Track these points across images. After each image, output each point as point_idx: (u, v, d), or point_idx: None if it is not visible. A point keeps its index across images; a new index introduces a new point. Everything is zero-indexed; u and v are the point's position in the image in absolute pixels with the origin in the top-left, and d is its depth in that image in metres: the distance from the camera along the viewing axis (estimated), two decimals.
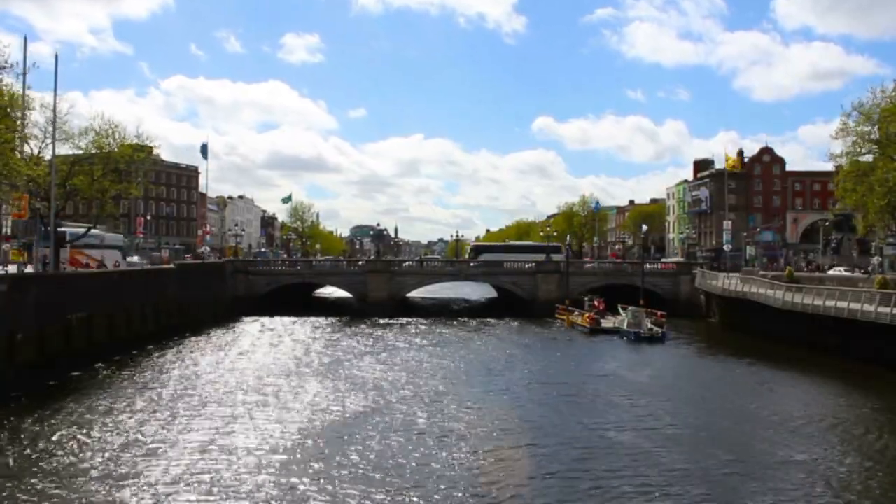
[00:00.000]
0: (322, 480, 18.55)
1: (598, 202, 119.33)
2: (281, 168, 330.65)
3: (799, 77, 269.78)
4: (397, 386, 31.24)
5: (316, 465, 19.77)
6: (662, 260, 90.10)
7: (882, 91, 44.75)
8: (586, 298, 58.34)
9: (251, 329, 52.53)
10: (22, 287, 33.06)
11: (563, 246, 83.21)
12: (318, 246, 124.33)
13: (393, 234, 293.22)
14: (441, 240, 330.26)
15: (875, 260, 61.21)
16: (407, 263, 76.44)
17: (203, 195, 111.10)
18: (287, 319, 57.26)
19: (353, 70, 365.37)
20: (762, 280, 48.90)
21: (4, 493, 17.49)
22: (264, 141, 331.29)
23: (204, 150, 72.55)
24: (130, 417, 25.00)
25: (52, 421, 24.11)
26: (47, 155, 40.29)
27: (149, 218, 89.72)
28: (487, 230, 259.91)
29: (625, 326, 49.00)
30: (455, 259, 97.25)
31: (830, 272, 58.32)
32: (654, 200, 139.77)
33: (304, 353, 41.11)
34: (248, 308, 60.63)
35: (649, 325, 48.12)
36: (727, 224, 75.20)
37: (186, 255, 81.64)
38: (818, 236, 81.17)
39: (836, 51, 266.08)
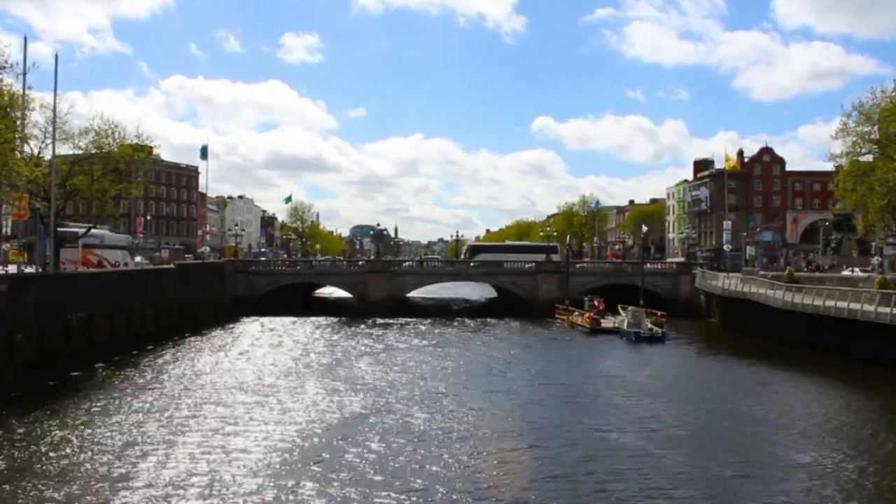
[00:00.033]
0: (322, 482, 18.52)
1: (598, 202, 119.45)
2: (280, 168, 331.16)
3: (799, 77, 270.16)
4: (397, 387, 31.23)
5: (316, 467, 19.74)
6: (661, 260, 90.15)
7: (882, 91, 44.82)
8: (586, 298, 58.34)
9: (251, 329, 52.53)
10: (22, 287, 33.05)
11: (563, 246, 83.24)
12: (318, 246, 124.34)
13: (393, 234, 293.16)
14: (441, 240, 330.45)
15: (875, 260, 61.20)
16: (407, 263, 76.45)
17: (203, 195, 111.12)
18: (287, 319, 57.25)
19: (352, 70, 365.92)
20: (762, 280, 48.90)
21: (4, 494, 17.48)
22: (264, 141, 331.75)
23: (204, 152, 72.58)
24: (130, 418, 24.98)
25: (52, 421, 24.11)
26: (47, 155, 40.29)
27: (149, 218, 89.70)
28: (487, 230, 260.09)
29: (625, 326, 48.99)
30: (455, 259, 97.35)
31: (844, 272, 56.49)
32: (654, 200, 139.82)
33: (303, 353, 41.11)
34: (248, 308, 60.64)
35: (649, 325, 48.12)
36: (727, 224, 75.19)
37: (187, 255, 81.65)
38: (818, 236, 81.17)
39: (836, 50, 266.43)
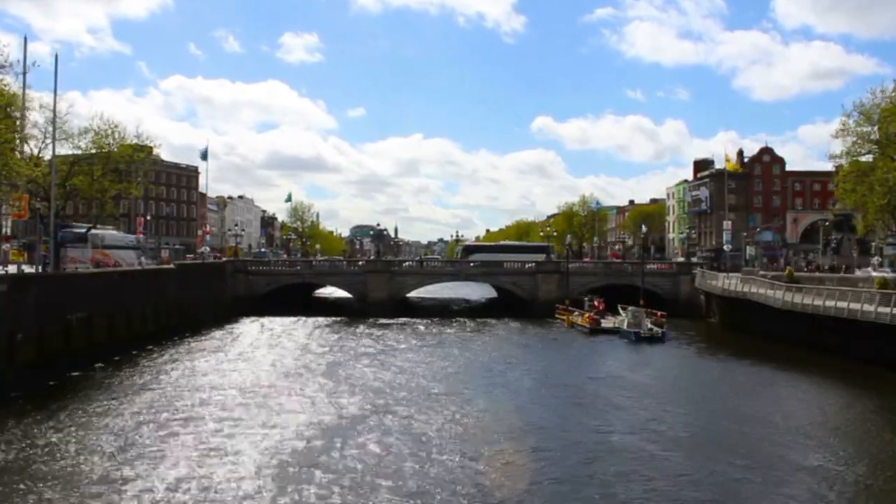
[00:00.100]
0: (322, 484, 18.48)
1: (598, 201, 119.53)
2: (280, 168, 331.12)
3: (799, 76, 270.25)
4: (397, 388, 31.21)
5: (316, 469, 19.67)
6: (661, 260, 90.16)
7: (882, 91, 44.84)
8: (586, 298, 58.31)
9: (251, 329, 52.53)
10: (22, 287, 33.04)
11: (563, 246, 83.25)
12: (318, 246, 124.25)
13: (393, 234, 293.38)
14: (441, 240, 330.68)
15: (875, 260, 61.17)
16: (407, 263, 76.41)
17: (203, 195, 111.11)
18: (287, 320, 57.25)
19: (352, 70, 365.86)
20: (762, 280, 48.91)
21: (4, 494, 17.48)
22: (263, 141, 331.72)
23: (204, 154, 72.67)
24: (130, 418, 24.96)
25: (52, 421, 24.10)
26: (47, 155, 40.30)
27: (149, 218, 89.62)
28: (487, 230, 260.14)
29: (625, 326, 48.98)
30: (455, 259, 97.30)
31: (860, 272, 53.73)
32: (653, 200, 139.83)
33: (303, 353, 41.10)
34: (247, 308, 60.62)
35: (649, 325, 48.11)
36: (727, 224, 75.18)
37: (190, 256, 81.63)
38: (818, 236, 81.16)
39: (837, 50, 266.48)
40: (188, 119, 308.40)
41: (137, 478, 18.58)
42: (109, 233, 53.39)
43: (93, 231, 46.97)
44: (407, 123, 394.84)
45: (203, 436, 22.69)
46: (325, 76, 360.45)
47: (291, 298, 65.45)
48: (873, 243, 67.42)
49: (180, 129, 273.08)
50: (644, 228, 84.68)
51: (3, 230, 62.89)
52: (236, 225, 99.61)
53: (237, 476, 18.86)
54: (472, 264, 72.33)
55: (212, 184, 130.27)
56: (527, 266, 67.53)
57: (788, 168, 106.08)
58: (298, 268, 71.16)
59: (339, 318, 59.45)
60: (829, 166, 57.65)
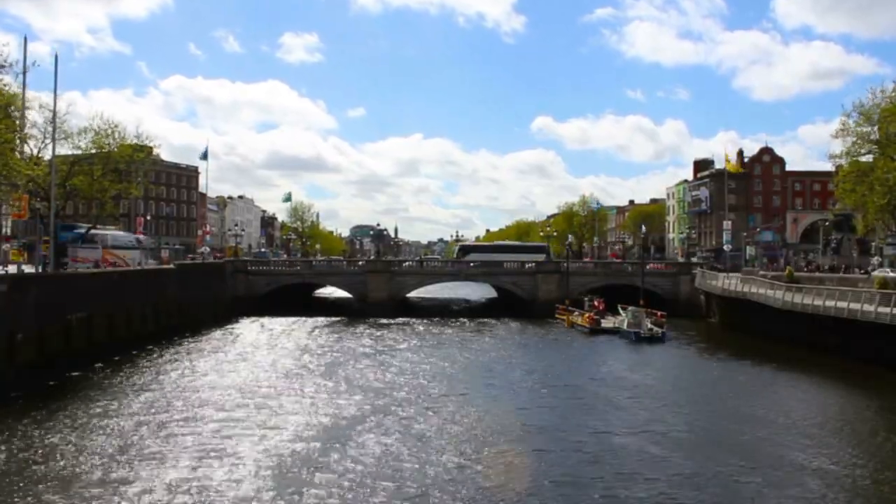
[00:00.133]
0: (321, 485, 18.46)
1: (598, 201, 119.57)
2: (280, 168, 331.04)
3: (799, 76, 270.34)
4: (397, 388, 31.19)
5: (315, 470, 19.62)
6: (661, 261, 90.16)
7: (882, 91, 44.93)
8: (586, 298, 58.32)
9: (251, 329, 52.52)
10: (22, 287, 33.04)
11: (563, 246, 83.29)
12: (318, 246, 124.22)
13: (393, 234, 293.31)
14: (441, 240, 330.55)
15: (875, 260, 61.21)
16: (407, 263, 76.39)
17: (203, 195, 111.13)
18: (287, 320, 57.23)
19: (351, 70, 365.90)
20: (762, 280, 48.91)
21: (3, 494, 17.47)
22: (263, 141, 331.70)
23: (204, 154, 72.68)
24: (130, 418, 24.96)
25: (52, 422, 24.09)
26: (47, 155, 40.34)
27: (149, 218, 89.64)
28: (487, 230, 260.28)
29: (625, 326, 48.99)
30: (455, 259, 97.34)
31: (877, 272, 50.56)
32: (653, 200, 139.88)
33: (303, 354, 41.08)
34: (247, 308, 60.61)
35: (649, 326, 48.11)
36: (727, 224, 75.26)
37: (193, 256, 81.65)
38: (818, 236, 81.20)
39: (837, 50, 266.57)
40: (188, 119, 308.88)
41: (137, 479, 18.57)
42: (118, 234, 54.69)
43: (103, 232, 47.98)
44: (407, 123, 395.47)
45: (203, 437, 22.66)
46: (325, 76, 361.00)
47: (291, 298, 65.44)
48: (873, 243, 67.45)
49: (180, 129, 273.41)
50: (644, 228, 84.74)
51: (3, 230, 62.95)
52: (236, 225, 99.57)
53: (237, 477, 18.84)
54: (471, 264, 72.28)
55: (212, 184, 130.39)
56: (527, 266, 67.55)
57: (788, 168, 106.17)
58: (298, 268, 71.14)
59: (339, 319, 59.45)
60: (829, 166, 57.75)
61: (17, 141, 38.91)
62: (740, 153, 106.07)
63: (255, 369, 35.35)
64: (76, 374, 32.49)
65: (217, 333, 49.42)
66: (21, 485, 18.05)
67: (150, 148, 49.88)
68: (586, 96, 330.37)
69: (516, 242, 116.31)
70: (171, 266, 55.50)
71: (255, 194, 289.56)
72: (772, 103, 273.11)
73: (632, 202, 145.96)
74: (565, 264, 67.05)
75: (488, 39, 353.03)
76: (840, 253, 71.27)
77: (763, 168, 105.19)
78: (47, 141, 39.75)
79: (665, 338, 46.81)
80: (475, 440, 22.77)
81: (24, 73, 35.57)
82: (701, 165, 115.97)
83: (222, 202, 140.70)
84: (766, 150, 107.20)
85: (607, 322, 52.37)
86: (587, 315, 53.15)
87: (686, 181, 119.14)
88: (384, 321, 56.99)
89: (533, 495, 17.98)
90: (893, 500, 18.53)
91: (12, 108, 36.94)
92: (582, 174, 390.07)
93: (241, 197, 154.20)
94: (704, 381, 35.56)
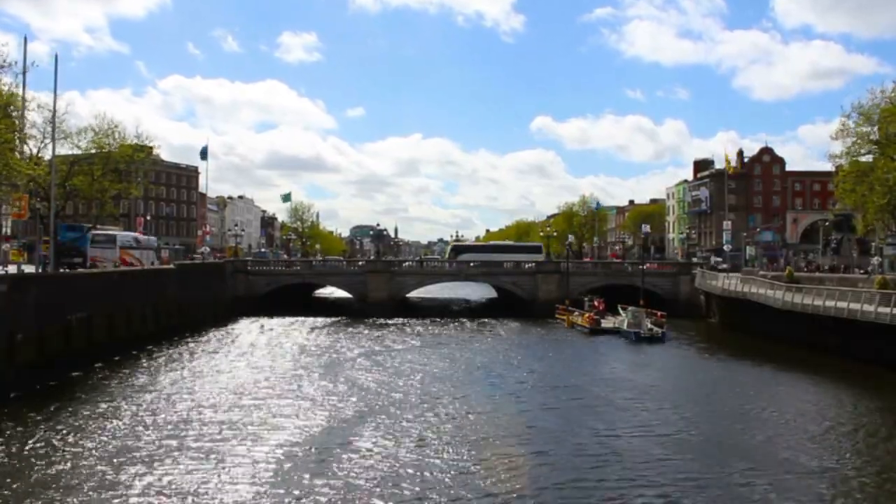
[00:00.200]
0: (321, 487, 18.43)
1: (598, 201, 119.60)
2: (280, 168, 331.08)
3: (799, 76, 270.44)
4: (397, 389, 31.16)
5: (315, 472, 19.56)
6: (661, 261, 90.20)
7: (882, 91, 44.83)
8: (586, 298, 58.35)
9: (251, 330, 52.52)
10: (22, 287, 33.03)
11: (563, 246, 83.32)
12: (318, 246, 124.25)
13: (393, 235, 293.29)
14: (441, 240, 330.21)
15: (875, 260, 61.19)
16: (407, 263, 76.44)
17: (203, 195, 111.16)
18: (287, 320, 57.26)
19: (351, 69, 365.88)
20: (762, 280, 48.90)
21: (3, 495, 17.47)
22: (263, 141, 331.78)
23: (203, 153, 72.65)
24: (130, 419, 24.97)
25: (52, 422, 24.08)
26: (46, 155, 40.33)
27: (149, 218, 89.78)
28: (487, 230, 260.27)
29: (625, 326, 49.00)
30: (447, 259, 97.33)
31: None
32: (653, 200, 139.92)
33: (303, 354, 41.07)
34: (247, 308, 60.62)
35: (649, 326, 48.13)
36: (727, 224, 75.31)
37: (195, 256, 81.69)
38: (818, 236, 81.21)
39: (837, 50, 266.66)
40: (187, 119, 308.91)
41: (137, 479, 18.56)
42: (133, 235, 56.50)
43: (120, 233, 50.24)
44: (406, 123, 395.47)
45: (203, 437, 22.65)
46: (324, 76, 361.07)
47: (291, 299, 65.46)
48: (873, 243, 67.36)
49: (179, 128, 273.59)
50: (644, 228, 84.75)
51: (3, 230, 62.99)
52: (236, 225, 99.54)
53: (237, 478, 18.84)
54: (471, 264, 72.29)
55: (211, 184, 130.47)
56: (526, 266, 67.56)
57: (788, 168, 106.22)
58: (298, 268, 71.15)
59: (339, 319, 59.45)
60: (829, 166, 57.62)
61: (17, 141, 38.90)
62: (740, 153, 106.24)
63: (255, 370, 35.33)
64: (76, 374, 32.49)
65: (217, 333, 49.42)
66: (21, 485, 18.05)
67: (150, 148, 49.95)
68: (586, 96, 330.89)
69: (510, 242, 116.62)
70: (171, 266, 55.52)
71: (255, 194, 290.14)
72: (772, 103, 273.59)
73: (632, 202, 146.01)
74: (565, 264, 67.07)
75: (487, 39, 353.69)
76: (840, 253, 71.25)
77: (763, 168, 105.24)
78: (47, 141, 39.75)
79: (665, 338, 46.83)
80: (475, 441, 22.74)
81: (24, 73, 35.61)
82: (701, 165, 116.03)
83: (222, 202, 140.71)
84: (766, 150, 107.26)
85: (607, 322, 52.38)
86: (587, 315, 53.16)
87: (686, 181, 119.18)
88: (384, 321, 57.00)
89: (533, 497, 17.93)
90: (894, 501, 18.51)
91: (12, 108, 36.91)
92: (582, 174, 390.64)
93: (240, 197, 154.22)
94: (704, 381, 35.56)
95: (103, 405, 26.91)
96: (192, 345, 43.76)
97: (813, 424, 25.50)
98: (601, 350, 44.24)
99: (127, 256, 48.69)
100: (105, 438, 22.37)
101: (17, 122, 37.86)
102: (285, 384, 31.76)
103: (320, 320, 58.12)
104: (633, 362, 39.98)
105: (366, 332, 51.37)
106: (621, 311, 52.46)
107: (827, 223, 77.91)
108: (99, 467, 19.52)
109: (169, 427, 23.81)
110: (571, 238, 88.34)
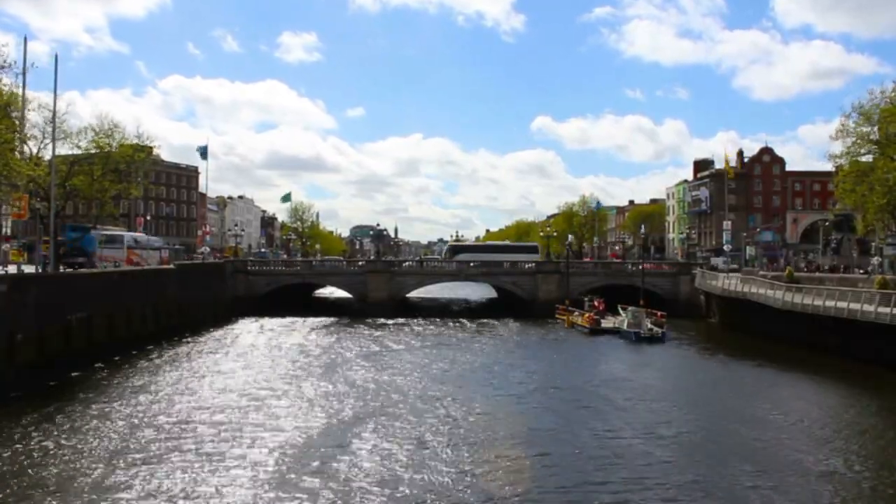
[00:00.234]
0: (320, 488, 18.41)
1: (598, 201, 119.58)
2: (280, 168, 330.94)
3: (799, 76, 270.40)
4: (397, 389, 31.14)
5: (314, 473, 19.55)
6: (661, 261, 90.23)
7: (882, 91, 44.91)
8: (586, 299, 58.35)
9: (251, 329, 52.52)
10: (22, 287, 33.03)
11: (563, 246, 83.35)
12: (318, 246, 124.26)
13: (393, 235, 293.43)
14: (441, 240, 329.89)
15: (875, 260, 61.20)
16: (407, 264, 76.46)
17: (203, 195, 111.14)
18: (287, 320, 57.26)
19: (351, 69, 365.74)
20: (762, 280, 48.92)
21: (3, 494, 17.46)
22: (263, 141, 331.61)
23: (203, 152, 72.62)
24: (130, 419, 24.95)
25: (52, 422, 24.08)
26: (46, 155, 40.39)
27: (149, 218, 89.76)
28: (487, 230, 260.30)
29: (625, 327, 49.00)
30: (444, 259, 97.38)
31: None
32: (653, 200, 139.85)
33: (303, 354, 41.07)
34: (247, 308, 60.62)
35: (649, 326, 48.13)
36: (727, 224, 75.22)
37: (195, 256, 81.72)
38: (818, 236, 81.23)
39: (837, 49, 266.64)
40: (187, 119, 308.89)
41: (136, 480, 18.55)
42: (141, 235, 57.12)
43: (129, 234, 50.67)
44: (406, 123, 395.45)
45: (202, 438, 22.64)
46: (324, 76, 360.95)
47: (291, 299, 65.46)
48: (873, 243, 67.39)
49: (179, 128, 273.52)
50: (644, 228, 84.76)
51: (4, 230, 63.01)
52: (236, 225, 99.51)
53: (236, 479, 18.83)
54: (471, 264, 72.30)
55: (211, 184, 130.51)
56: (526, 266, 67.56)
57: (788, 168, 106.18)
58: (298, 268, 71.14)
59: (339, 319, 59.44)
60: (829, 166, 57.62)
61: (17, 141, 38.93)
62: (740, 153, 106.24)
63: (254, 370, 35.31)
64: (76, 374, 32.49)
65: (217, 334, 49.43)
66: (21, 485, 18.04)
67: (150, 148, 50.13)
68: (586, 96, 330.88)
69: (507, 242, 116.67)
70: (171, 266, 55.52)
71: (255, 194, 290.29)
72: (772, 103, 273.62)
73: (632, 202, 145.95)
74: (565, 264, 67.07)
75: (487, 39, 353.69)
76: (840, 253, 71.29)
77: (763, 168, 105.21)
78: (47, 141, 39.84)
79: (665, 338, 46.83)
80: (475, 442, 22.72)
81: (24, 73, 35.64)
82: (701, 165, 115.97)
83: (222, 202, 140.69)
84: (766, 150, 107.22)
85: (607, 322, 52.38)
86: (587, 315, 53.17)
87: (686, 181, 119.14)
88: (384, 321, 57.00)
89: (534, 498, 17.91)
90: (894, 501, 18.51)
91: (12, 108, 36.94)
92: (582, 174, 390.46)
93: (240, 197, 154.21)
94: (704, 381, 35.58)
95: (103, 405, 26.90)
96: (191, 345, 43.76)
97: (813, 424, 25.50)
98: (601, 350, 44.24)
99: (133, 256, 49.19)
100: (105, 438, 22.36)
101: (17, 122, 37.90)
102: (285, 384, 31.74)
103: (320, 320, 58.12)
104: (633, 362, 39.98)
105: (366, 332, 51.37)
106: (621, 311, 52.47)
107: (827, 223, 77.92)
108: (99, 467, 19.52)
109: (169, 427, 23.79)
110: (571, 238, 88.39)
